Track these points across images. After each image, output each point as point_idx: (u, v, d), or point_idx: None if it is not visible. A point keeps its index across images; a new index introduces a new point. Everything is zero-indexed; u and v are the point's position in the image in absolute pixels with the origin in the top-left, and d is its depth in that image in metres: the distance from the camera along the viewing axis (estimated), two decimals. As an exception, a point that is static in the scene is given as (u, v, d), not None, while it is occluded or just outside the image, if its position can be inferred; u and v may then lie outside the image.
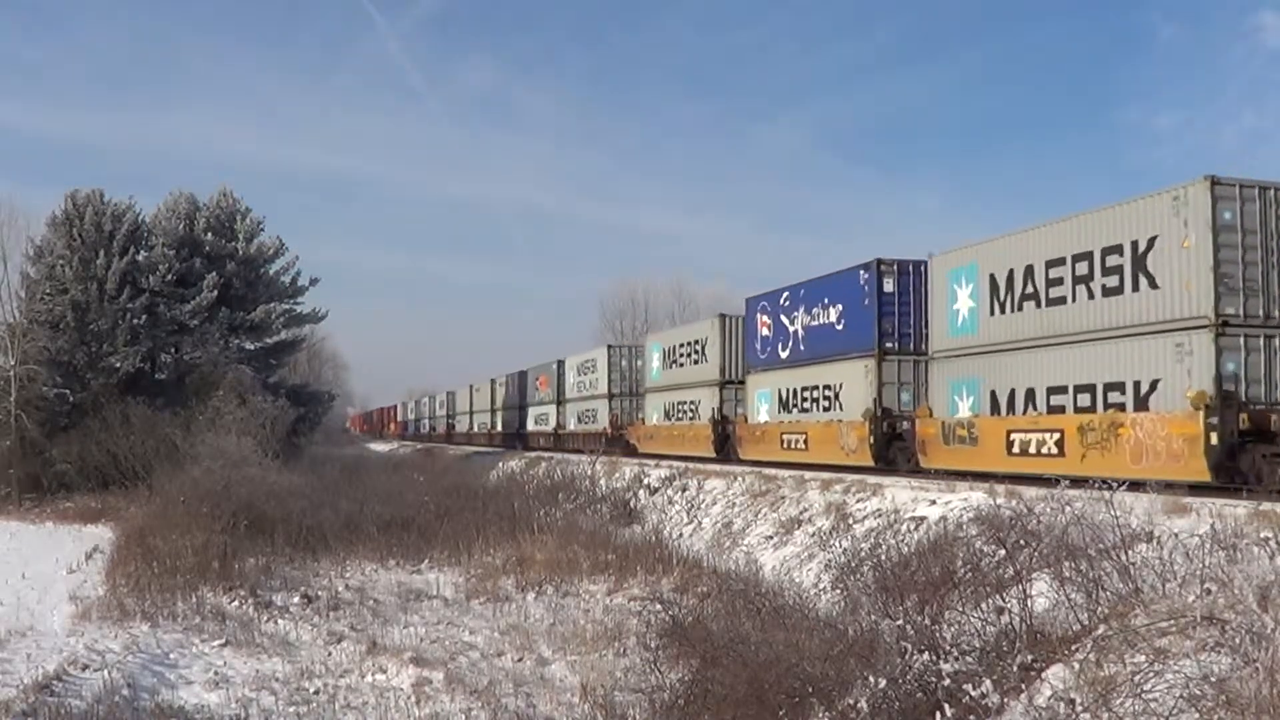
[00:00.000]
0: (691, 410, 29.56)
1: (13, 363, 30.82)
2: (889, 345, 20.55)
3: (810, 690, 7.77)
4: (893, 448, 20.25)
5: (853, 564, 11.68)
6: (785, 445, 23.56)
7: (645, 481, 25.60)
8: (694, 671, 9.40)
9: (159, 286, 35.12)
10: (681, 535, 20.48)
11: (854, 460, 20.57)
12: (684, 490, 23.61)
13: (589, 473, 26.92)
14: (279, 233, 42.51)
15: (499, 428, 56.14)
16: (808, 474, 20.32)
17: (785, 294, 24.59)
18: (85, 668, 11.47)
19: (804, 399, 23.26)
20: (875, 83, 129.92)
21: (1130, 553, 8.00)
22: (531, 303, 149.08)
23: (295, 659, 12.31)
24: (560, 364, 44.52)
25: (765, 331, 25.46)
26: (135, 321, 34.38)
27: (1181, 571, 7.32)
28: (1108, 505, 8.55)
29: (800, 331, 23.64)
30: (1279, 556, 7.28)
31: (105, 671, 11.16)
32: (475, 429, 62.15)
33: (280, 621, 14.23)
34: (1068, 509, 9.06)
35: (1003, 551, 8.68)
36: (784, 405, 24.09)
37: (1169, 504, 11.02)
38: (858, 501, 16.90)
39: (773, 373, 24.95)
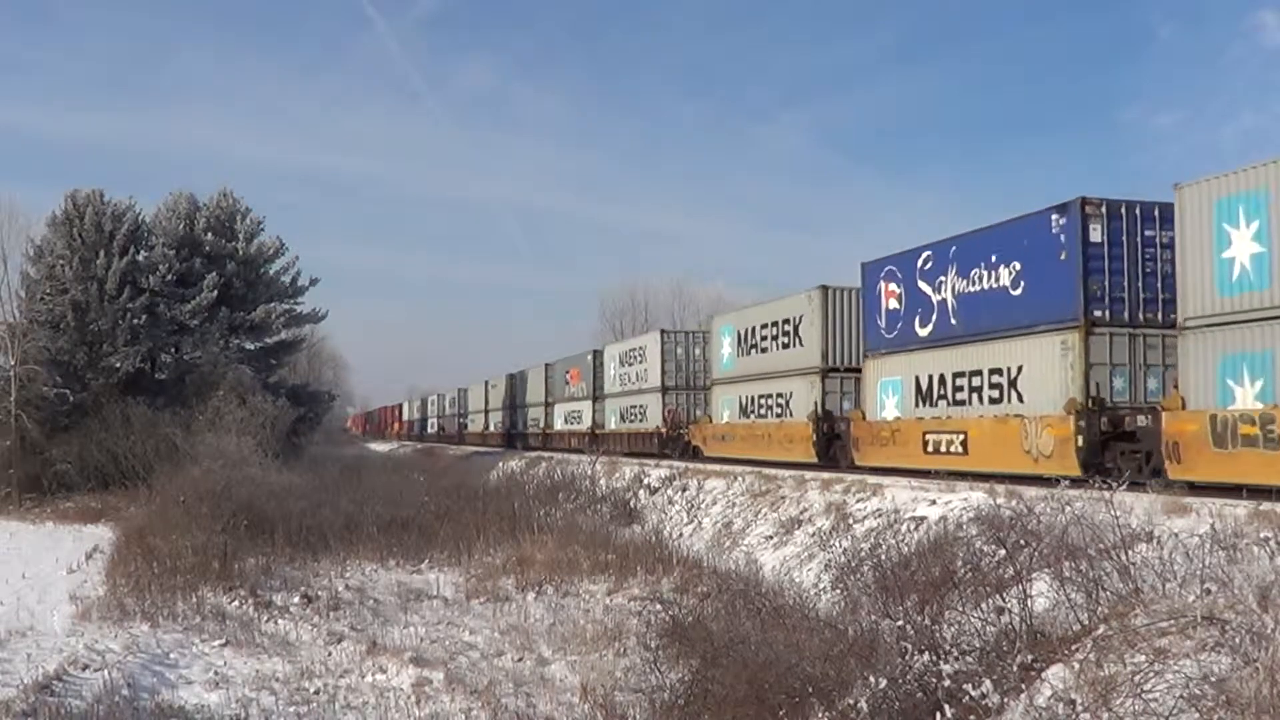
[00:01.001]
0: (780, 405, 24.49)
1: (13, 363, 30.81)
2: (1097, 314, 15.49)
3: (810, 690, 7.77)
4: (1112, 452, 15.14)
5: (853, 564, 11.68)
6: (930, 449, 18.50)
7: (645, 481, 25.62)
8: (694, 671, 9.40)
9: (159, 286, 35.12)
10: (681, 535, 20.49)
11: (1047, 469, 15.02)
12: (684, 490, 23.63)
13: (589, 473, 26.92)
14: (279, 233, 42.54)
15: (520, 426, 51.70)
16: (808, 473, 20.25)
17: (926, 254, 19.44)
18: (85, 668, 11.46)
19: (957, 388, 18.20)
20: (876, 82, 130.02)
21: (1130, 553, 8.00)
22: (531, 303, 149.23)
23: (295, 659, 12.31)
24: (597, 355, 40.26)
25: (893, 304, 20.37)
26: (135, 321, 34.36)
27: (1181, 571, 7.32)
28: (1108, 505, 8.55)
29: (950, 301, 18.55)
30: (1279, 556, 7.29)
31: (105, 671, 11.15)
32: (491, 428, 57.73)
33: (280, 621, 14.23)
34: (1068, 509, 9.06)
35: (1003, 551, 8.69)
36: (924, 397, 19.09)
37: (1169, 504, 11.03)
38: (858, 501, 16.92)
39: (906, 355, 19.80)
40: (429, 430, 79.35)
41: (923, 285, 19.46)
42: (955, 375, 18.38)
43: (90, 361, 33.96)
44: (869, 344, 21.34)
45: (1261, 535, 8.31)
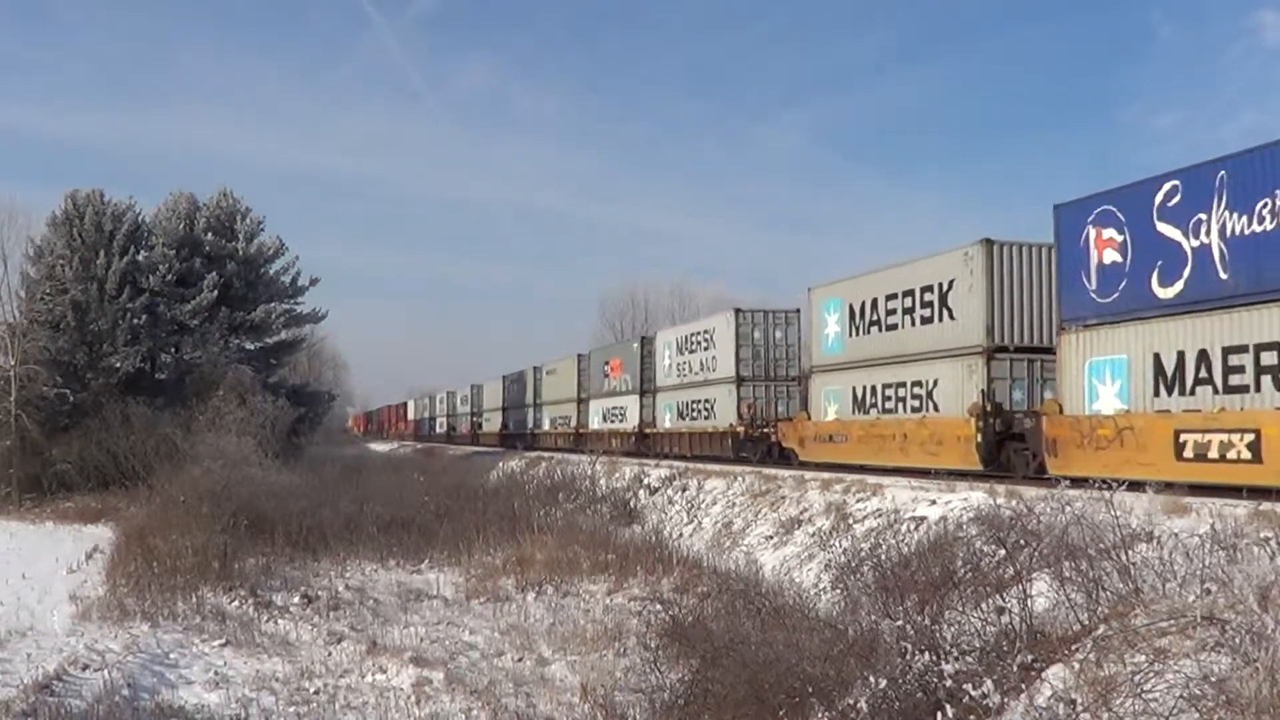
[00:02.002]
0: (917, 397, 19.44)
1: (13, 363, 30.84)
2: None
3: (810, 690, 7.77)
4: None
5: (853, 564, 11.66)
6: (1190, 453, 13.60)
7: (645, 481, 25.62)
8: (694, 671, 9.40)
9: (159, 286, 35.15)
10: (681, 535, 20.49)
11: None
12: (684, 490, 23.62)
13: (589, 473, 26.91)
14: (279, 233, 42.60)
15: (544, 426, 46.86)
16: (807, 473, 20.22)
17: (1169, 185, 14.30)
18: (85, 668, 11.47)
19: (1233, 368, 13.21)
20: (875, 82, 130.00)
21: (1130, 553, 7.99)
22: (531, 303, 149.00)
23: (295, 659, 12.31)
24: (646, 342, 35.39)
25: (1111, 256, 15.22)
26: (135, 321, 34.39)
27: (1181, 571, 7.32)
28: (1108, 505, 8.55)
29: (1218, 247, 13.48)
30: (1279, 556, 7.28)
31: (105, 671, 11.16)
32: (510, 427, 53.45)
33: (280, 621, 14.23)
34: (1068, 509, 9.06)
35: (1003, 551, 8.68)
36: (1173, 382, 14.04)
37: (1169, 504, 11.03)
38: (858, 501, 16.91)
39: (1135, 325, 14.71)
40: (437, 430, 75.40)
41: (1165, 228, 14.40)
42: (1230, 350, 13.32)
43: (90, 361, 33.97)
44: (1066, 312, 16.11)
45: (1261, 535, 8.31)
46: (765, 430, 26.42)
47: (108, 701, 10.00)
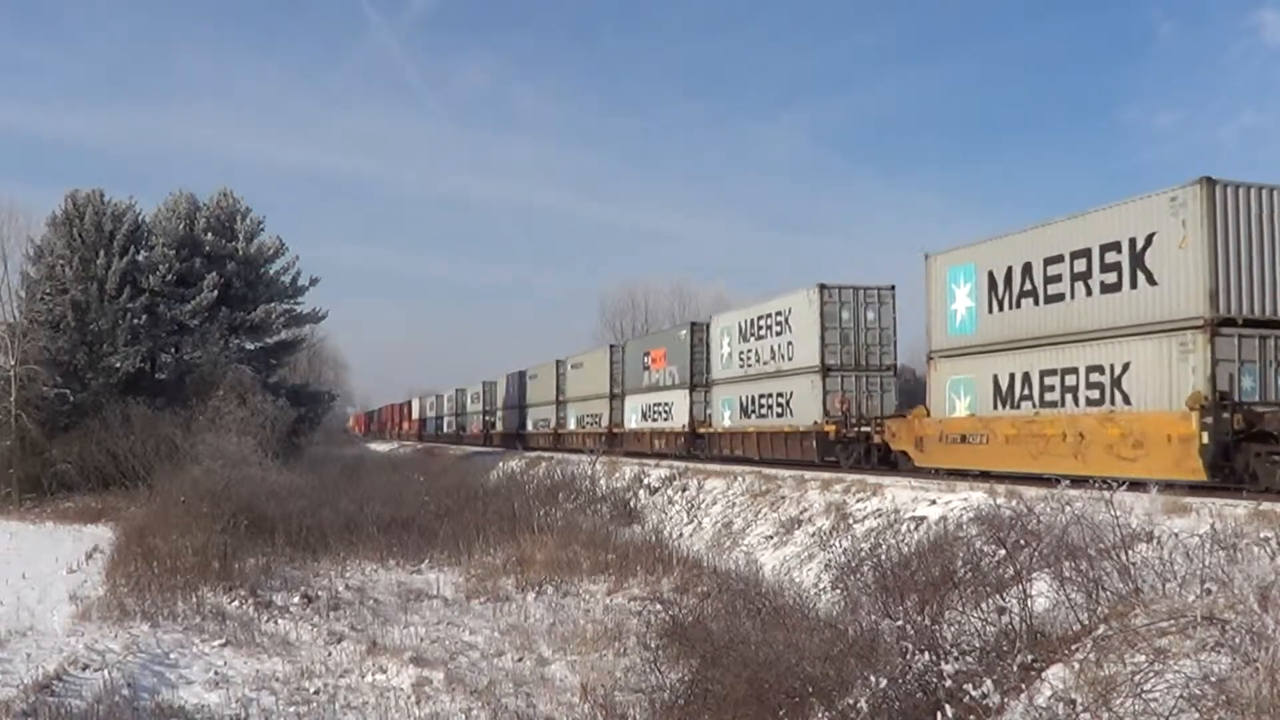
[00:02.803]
0: (1097, 386, 15.27)
1: (13, 363, 30.83)
2: None
3: (810, 690, 7.77)
4: None
5: (853, 564, 11.67)
6: None
7: (645, 481, 25.61)
8: (694, 671, 9.40)
9: (159, 286, 35.15)
10: (681, 535, 20.49)
11: None
12: (684, 490, 23.62)
13: (589, 473, 26.91)
14: (279, 233, 42.66)
15: (569, 425, 42.41)
16: (808, 473, 20.29)
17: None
18: (85, 667, 11.47)
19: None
20: (875, 82, 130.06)
21: (1130, 553, 7.99)
22: (531, 303, 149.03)
23: (295, 659, 12.31)
24: (697, 328, 30.48)
25: None
26: (135, 321, 34.39)
27: (1181, 571, 7.32)
28: (1108, 505, 8.55)
29: None
30: (1279, 556, 7.28)
31: (105, 671, 11.16)
32: (528, 427, 49.47)
33: (280, 621, 14.23)
34: (1068, 509, 9.06)
35: (1003, 551, 8.68)
36: None
37: (1169, 504, 11.03)
38: (858, 501, 16.91)
39: None
40: (444, 430, 71.11)
41: None
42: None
43: (90, 361, 33.98)
44: None
45: (1261, 535, 8.31)
46: (864, 429, 22.05)
47: (108, 701, 10.00)
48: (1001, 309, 17.45)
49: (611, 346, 38.80)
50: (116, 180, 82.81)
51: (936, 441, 18.81)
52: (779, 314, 25.43)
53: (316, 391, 48.51)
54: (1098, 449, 14.90)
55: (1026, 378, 16.77)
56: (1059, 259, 16.19)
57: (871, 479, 18.09)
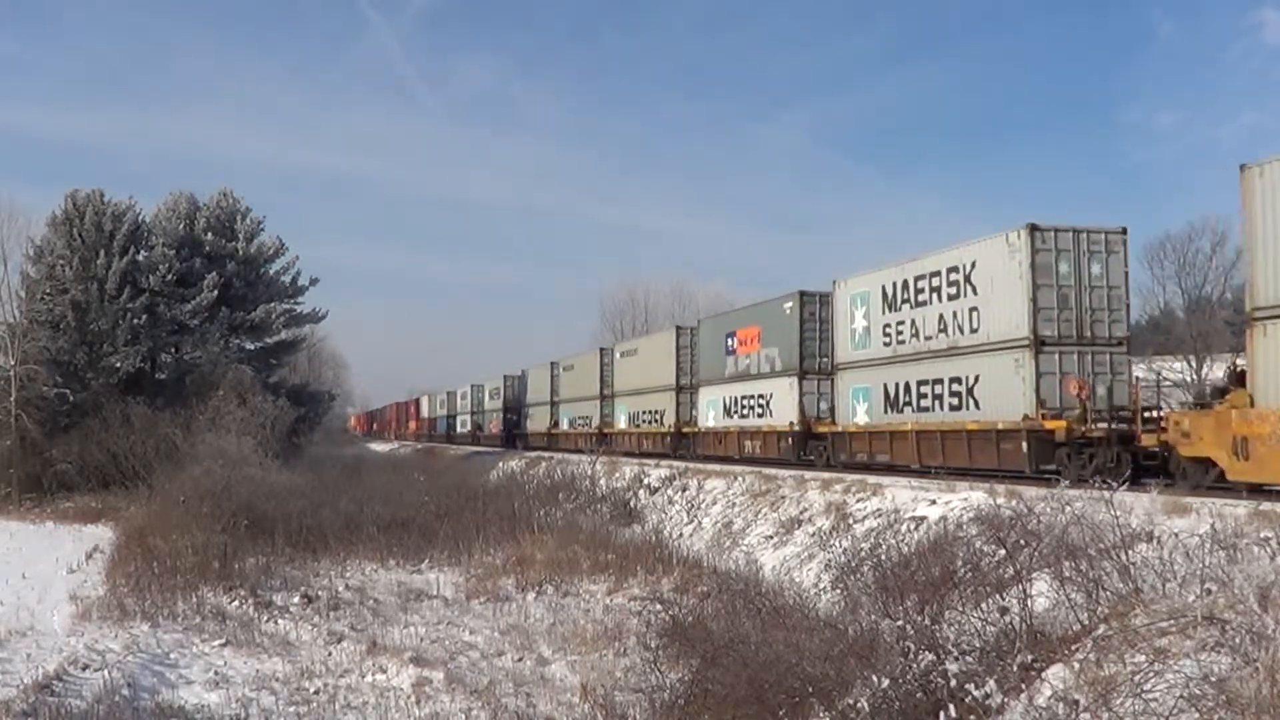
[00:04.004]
0: None
1: (13, 363, 30.83)
2: None
3: (810, 690, 7.77)
4: None
5: (853, 564, 11.68)
6: None
7: (645, 481, 25.60)
8: (694, 671, 9.40)
9: (159, 286, 35.15)
10: (681, 535, 20.50)
11: None
12: (684, 490, 23.61)
13: (589, 473, 26.90)
14: (279, 233, 42.69)
15: (618, 423, 36.05)
16: (808, 473, 20.30)
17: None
18: (85, 667, 11.47)
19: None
20: (875, 81, 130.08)
21: (1130, 553, 7.99)
22: (531, 303, 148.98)
23: (295, 659, 12.31)
24: (809, 300, 24.12)
25: None
26: (135, 321, 34.39)
27: (1181, 571, 7.31)
28: (1108, 505, 8.54)
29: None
30: (1279, 556, 7.28)
31: (105, 671, 11.16)
32: (563, 425, 42.75)
33: (280, 621, 14.23)
34: (1068, 509, 9.06)
35: (1003, 551, 8.67)
36: None
37: (1169, 504, 11.03)
38: (858, 501, 16.91)
39: None
40: (457, 430, 65.56)
41: None
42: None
43: (90, 361, 33.97)
44: None
45: (1262, 535, 8.31)
46: (1121, 426, 16.13)
47: (108, 701, 10.00)
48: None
49: (678, 328, 32.42)
50: (116, 180, 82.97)
51: (1276, 443, 12.64)
52: (955, 270, 18.70)
53: (316, 391, 48.52)
54: None
55: None
56: None
57: (871, 479, 18.09)
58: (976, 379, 18.35)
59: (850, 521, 16.10)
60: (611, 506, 23.68)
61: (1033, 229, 17.14)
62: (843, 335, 22.66)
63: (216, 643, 12.92)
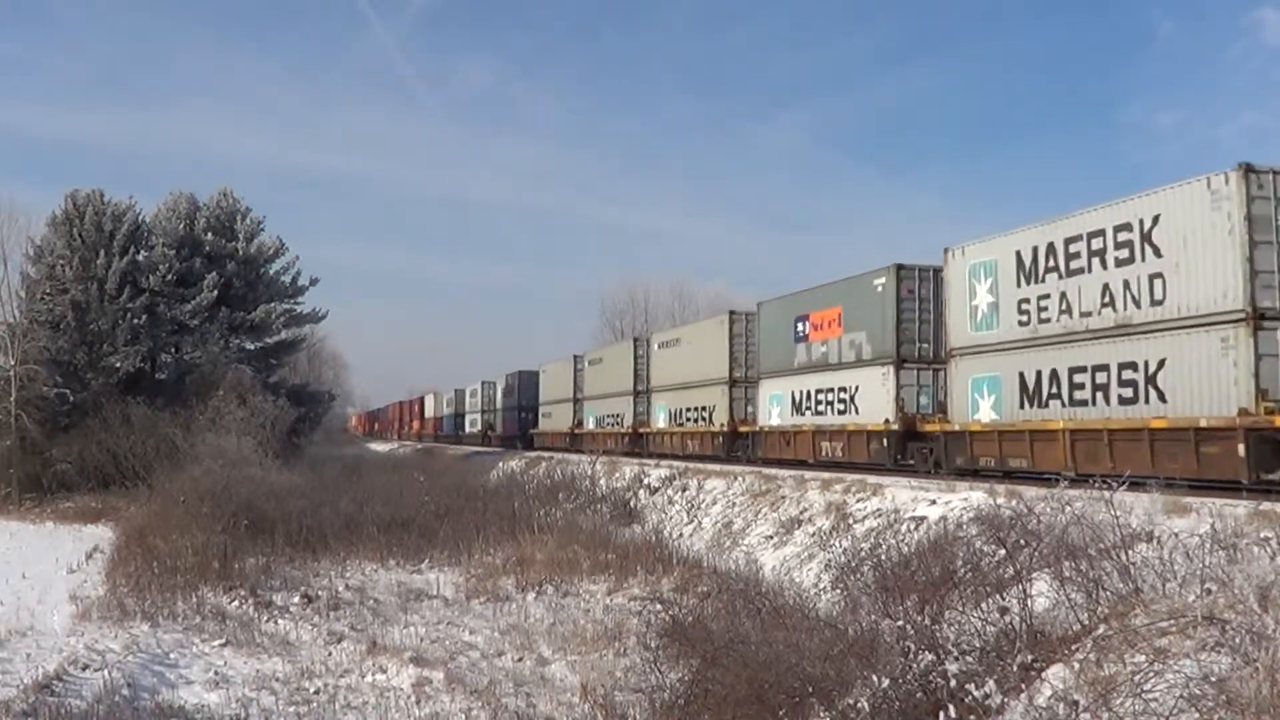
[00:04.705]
0: None
1: (13, 363, 30.85)
2: None
3: (810, 690, 7.77)
4: None
5: (853, 564, 11.67)
6: None
7: (645, 481, 25.59)
8: (694, 671, 9.40)
9: (159, 286, 35.16)
10: (681, 535, 20.49)
11: None
12: (684, 490, 23.60)
13: (589, 473, 26.88)
14: (279, 233, 42.69)
15: (656, 422, 32.27)
16: (808, 473, 20.28)
17: None
18: (85, 667, 11.46)
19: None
20: (875, 81, 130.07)
21: (1130, 553, 7.99)
22: (531, 303, 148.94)
23: (295, 659, 12.30)
24: (907, 275, 20.43)
25: None
26: (135, 321, 34.41)
27: (1181, 571, 7.32)
28: (1108, 505, 8.54)
29: None
30: (1279, 556, 7.28)
31: (105, 671, 11.15)
32: (593, 425, 38.73)
33: (280, 621, 14.23)
34: (1068, 509, 9.06)
35: (1003, 551, 8.67)
36: None
37: (1169, 504, 11.03)
38: (858, 501, 16.90)
39: None
40: (465, 430, 62.41)
41: None
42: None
43: (90, 361, 33.99)
44: None
45: (1261, 535, 8.31)
46: None
47: (108, 701, 10.00)
48: None
49: (731, 314, 28.26)
50: (116, 180, 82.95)
51: None
52: (1127, 227, 15.03)
53: (316, 391, 48.53)
54: None
55: None
56: None
57: (871, 479, 18.09)
58: (1161, 364, 14.52)
59: (850, 521, 16.09)
60: (611, 506, 23.67)
61: (1247, 170, 13.34)
62: (958, 314, 18.57)
63: (216, 643, 12.92)
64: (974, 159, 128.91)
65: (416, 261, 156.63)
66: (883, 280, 20.84)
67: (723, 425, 27.75)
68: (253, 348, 39.51)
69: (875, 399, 20.88)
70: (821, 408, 22.99)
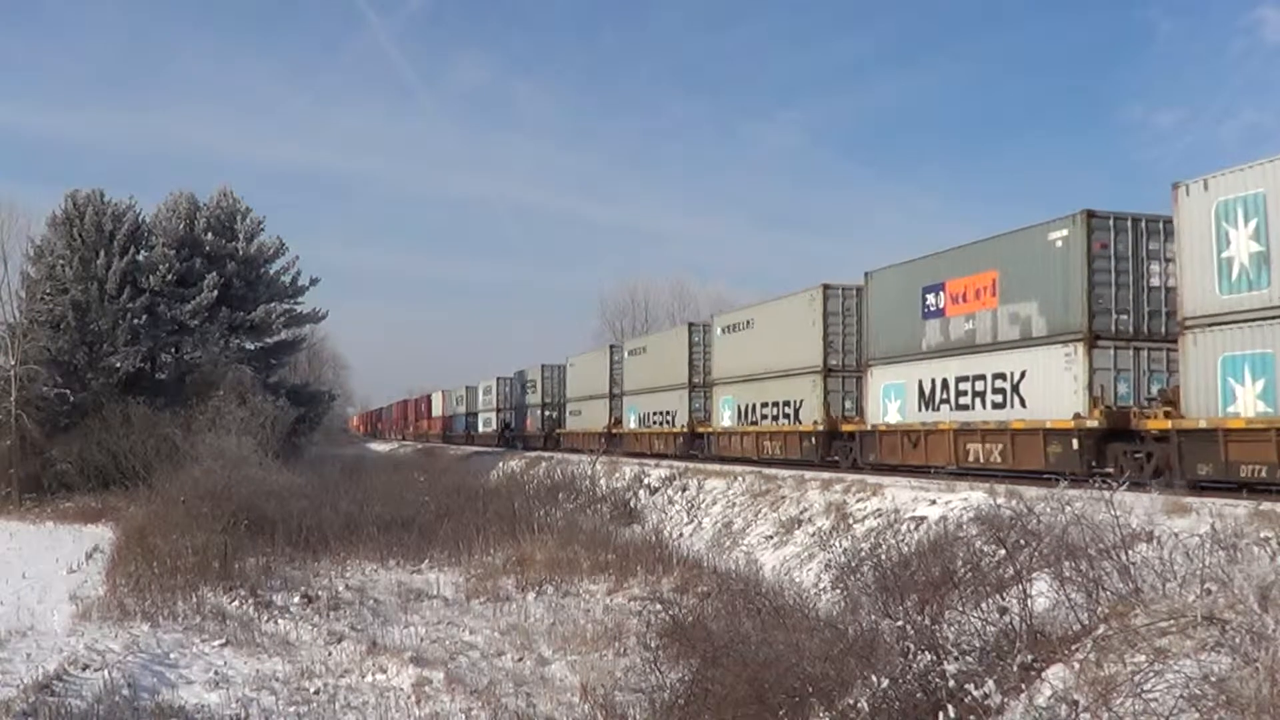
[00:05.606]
0: None
1: (13, 363, 30.84)
2: None
3: (810, 690, 7.77)
4: None
5: (853, 564, 11.68)
6: None
7: (645, 481, 25.59)
8: (694, 671, 9.40)
9: (159, 286, 35.16)
10: (681, 535, 20.50)
11: None
12: (684, 490, 23.61)
13: (589, 472, 26.89)
14: (279, 233, 42.70)
15: (722, 420, 27.65)
16: (808, 473, 20.29)
17: None
18: (85, 667, 11.46)
19: None
20: (874, 80, 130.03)
21: (1130, 553, 7.99)
22: (531, 303, 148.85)
23: (295, 659, 12.30)
24: (1100, 222, 15.57)
25: None
26: (135, 321, 34.41)
27: (1181, 571, 7.32)
28: (1108, 505, 8.55)
29: None
30: (1279, 556, 7.28)
31: (105, 671, 11.15)
32: (637, 425, 34.33)
33: (280, 621, 14.23)
34: (1068, 509, 9.06)
35: (1003, 551, 8.68)
36: None
37: (1169, 504, 11.03)
38: (858, 501, 16.91)
39: None
40: (479, 429, 58.48)
41: None
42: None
43: (90, 361, 33.99)
44: None
45: (1262, 535, 8.32)
46: None
47: (108, 701, 10.00)
48: None
49: (825, 287, 23.15)
50: (116, 180, 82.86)
51: None
52: None
53: (316, 391, 48.51)
54: None
55: None
56: None
57: (871, 479, 18.09)
58: None
59: (850, 521, 16.10)
60: (611, 506, 23.67)
61: None
62: (1199, 272, 13.57)
63: (216, 643, 12.92)
64: (973, 159, 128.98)
65: (416, 261, 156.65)
66: (1063, 233, 16.01)
67: (816, 424, 22.95)
68: (253, 348, 39.50)
69: (1054, 388, 16.09)
70: (966, 400, 18.12)
